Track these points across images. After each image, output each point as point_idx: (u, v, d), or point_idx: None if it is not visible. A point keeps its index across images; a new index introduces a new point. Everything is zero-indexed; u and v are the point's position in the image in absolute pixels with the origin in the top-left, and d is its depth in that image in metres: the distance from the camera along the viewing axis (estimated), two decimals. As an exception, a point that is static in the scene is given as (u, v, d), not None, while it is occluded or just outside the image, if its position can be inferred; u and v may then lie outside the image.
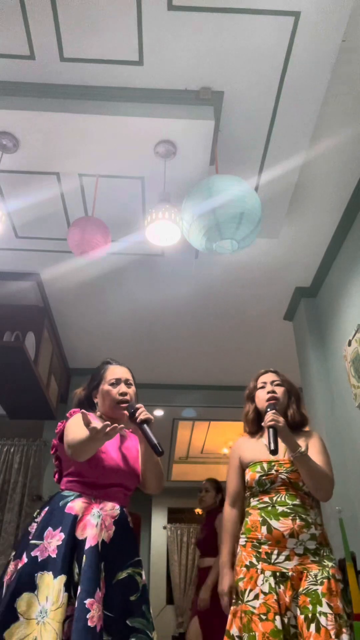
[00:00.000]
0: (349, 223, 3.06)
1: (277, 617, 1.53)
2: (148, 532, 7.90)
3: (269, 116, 2.37)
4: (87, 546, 1.40)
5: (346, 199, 2.95)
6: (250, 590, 1.62)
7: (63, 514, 1.47)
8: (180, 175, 2.42)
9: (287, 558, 1.63)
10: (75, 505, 1.49)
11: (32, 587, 1.34)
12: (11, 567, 1.44)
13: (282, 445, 1.76)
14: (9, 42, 2.08)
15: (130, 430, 1.77)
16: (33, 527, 1.51)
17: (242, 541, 1.76)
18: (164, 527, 7.95)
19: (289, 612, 1.56)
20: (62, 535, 1.42)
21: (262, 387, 1.94)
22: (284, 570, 1.62)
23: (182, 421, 6.13)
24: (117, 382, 1.72)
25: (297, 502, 1.71)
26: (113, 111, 2.22)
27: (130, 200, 2.77)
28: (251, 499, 1.82)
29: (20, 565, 1.40)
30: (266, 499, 1.75)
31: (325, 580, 1.57)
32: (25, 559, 1.40)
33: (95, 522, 1.46)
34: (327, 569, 1.60)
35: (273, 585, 1.59)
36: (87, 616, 1.26)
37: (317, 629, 1.48)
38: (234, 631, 1.64)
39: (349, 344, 2.96)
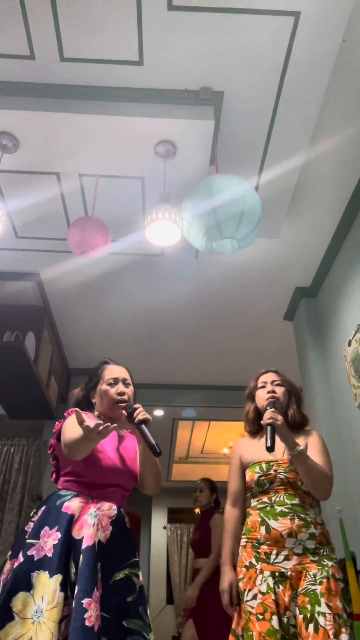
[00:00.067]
0: (349, 223, 3.06)
1: (275, 617, 1.53)
2: (148, 532, 7.90)
3: (269, 116, 2.38)
4: (83, 546, 1.39)
5: (346, 199, 2.95)
6: (249, 591, 1.63)
7: (59, 513, 1.46)
8: (180, 175, 2.42)
9: (286, 558, 1.63)
10: (72, 504, 1.49)
11: (28, 586, 1.34)
12: (7, 566, 1.44)
13: (281, 445, 1.76)
14: (9, 42, 2.08)
15: (129, 431, 1.76)
16: (30, 527, 1.50)
17: (242, 542, 1.76)
18: (164, 527, 7.95)
19: (289, 612, 1.56)
20: (59, 535, 1.41)
21: (263, 387, 1.93)
22: (283, 570, 1.61)
23: (182, 421, 6.13)
24: (115, 381, 1.72)
25: (296, 501, 1.71)
26: (113, 111, 2.22)
27: (130, 200, 2.77)
28: (251, 500, 1.82)
29: (16, 564, 1.40)
30: (265, 499, 1.75)
31: (324, 580, 1.57)
32: (21, 558, 1.40)
33: (92, 521, 1.46)
34: (326, 568, 1.60)
35: (271, 585, 1.59)
36: (85, 616, 1.26)
37: (316, 629, 1.47)
38: (239, 631, 1.66)
39: (349, 344, 2.96)
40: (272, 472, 1.77)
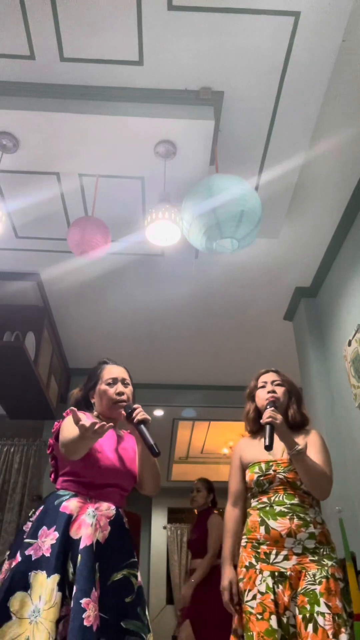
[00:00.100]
0: (349, 223, 3.06)
1: (273, 617, 1.53)
2: (148, 532, 7.90)
3: (269, 116, 2.38)
4: (81, 546, 1.39)
5: (346, 199, 2.95)
6: (249, 591, 1.63)
7: (57, 513, 1.46)
8: (180, 175, 2.42)
9: (286, 558, 1.63)
10: (70, 504, 1.48)
11: (26, 586, 1.34)
12: (5, 566, 1.44)
13: (281, 445, 1.76)
14: (9, 42, 2.08)
15: (128, 431, 1.76)
16: (28, 526, 1.50)
17: (243, 542, 1.77)
18: (164, 527, 7.95)
19: (288, 612, 1.56)
20: (56, 535, 1.41)
21: (263, 387, 1.93)
22: (283, 570, 1.61)
23: (182, 421, 6.12)
24: (114, 381, 1.71)
25: (295, 501, 1.71)
26: (113, 111, 2.22)
27: (130, 200, 2.77)
28: (251, 500, 1.82)
29: (14, 564, 1.39)
30: (265, 499, 1.76)
31: (323, 580, 1.56)
32: (19, 558, 1.40)
33: (90, 521, 1.45)
34: (326, 568, 1.60)
35: (271, 585, 1.59)
36: (83, 615, 1.25)
37: (315, 629, 1.47)
38: (240, 631, 1.66)
39: (349, 344, 2.96)
40: (271, 472, 1.77)
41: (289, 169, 2.63)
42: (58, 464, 1.64)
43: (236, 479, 1.92)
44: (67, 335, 4.35)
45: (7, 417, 4.49)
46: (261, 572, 1.63)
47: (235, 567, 1.77)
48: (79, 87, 2.24)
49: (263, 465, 1.80)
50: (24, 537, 1.46)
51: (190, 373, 5.02)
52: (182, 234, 2.21)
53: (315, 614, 1.50)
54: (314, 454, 1.76)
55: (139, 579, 1.51)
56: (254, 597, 1.60)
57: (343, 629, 1.48)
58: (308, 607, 1.52)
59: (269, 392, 1.89)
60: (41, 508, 1.53)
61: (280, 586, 1.59)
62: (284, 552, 1.64)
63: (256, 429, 1.96)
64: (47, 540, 1.41)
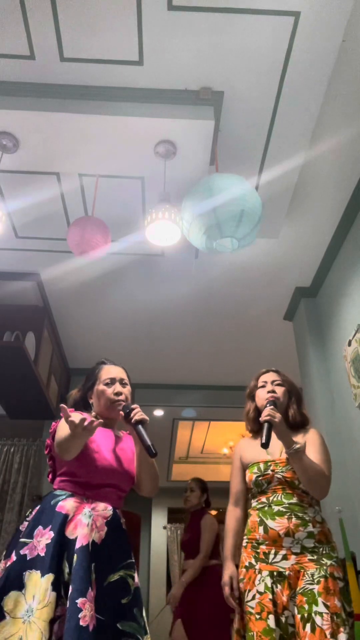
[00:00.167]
0: (349, 223, 3.06)
1: (271, 616, 1.53)
2: (148, 532, 7.90)
3: (269, 116, 2.38)
4: (77, 545, 1.38)
5: (346, 199, 2.95)
6: (249, 591, 1.64)
7: (53, 513, 1.46)
8: (180, 175, 2.42)
9: (284, 557, 1.63)
10: (66, 504, 1.48)
11: (20, 585, 1.33)
12: (1, 565, 1.43)
13: (280, 444, 1.76)
14: (9, 42, 2.08)
15: (127, 432, 1.76)
16: (24, 526, 1.50)
17: (243, 542, 1.77)
18: (164, 527, 7.95)
19: (287, 612, 1.56)
20: (52, 534, 1.40)
21: (263, 387, 1.93)
22: (281, 570, 1.62)
23: (182, 421, 6.13)
24: (112, 381, 1.71)
25: (293, 500, 1.71)
26: (113, 111, 2.22)
27: (130, 200, 2.77)
28: (252, 500, 1.83)
29: (9, 563, 1.39)
30: (263, 499, 1.76)
31: (322, 580, 1.56)
32: (14, 558, 1.40)
33: (86, 521, 1.45)
34: (324, 567, 1.59)
35: (269, 584, 1.59)
36: (79, 615, 1.25)
37: (313, 629, 1.47)
38: (242, 630, 1.67)
39: (349, 344, 2.96)
40: (269, 472, 1.77)
41: (289, 169, 2.63)
42: (56, 465, 1.64)
43: (237, 480, 1.93)
44: (67, 335, 4.35)
45: (7, 417, 4.49)
46: (260, 572, 1.64)
47: (237, 566, 1.77)
48: (79, 87, 2.24)
49: (262, 466, 1.80)
50: (20, 536, 1.46)
51: (190, 373, 5.02)
52: (182, 234, 2.21)
53: (313, 614, 1.49)
54: (313, 452, 1.76)
55: (136, 580, 1.50)
56: (253, 597, 1.61)
57: (342, 629, 1.48)
58: (306, 606, 1.52)
59: (268, 392, 1.89)
60: (37, 508, 1.53)
61: (279, 586, 1.59)
62: (283, 552, 1.64)
63: (256, 428, 1.96)
64: (43, 540, 1.40)
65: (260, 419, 1.78)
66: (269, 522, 1.68)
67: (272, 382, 1.93)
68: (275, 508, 1.70)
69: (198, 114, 2.23)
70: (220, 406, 5.25)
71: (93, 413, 1.73)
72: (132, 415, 1.58)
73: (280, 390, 1.90)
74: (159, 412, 5.68)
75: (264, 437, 1.67)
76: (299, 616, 1.53)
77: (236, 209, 1.98)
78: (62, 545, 1.39)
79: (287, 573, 1.61)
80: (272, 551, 1.65)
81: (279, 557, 1.64)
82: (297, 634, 1.51)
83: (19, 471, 4.99)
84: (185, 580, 2.95)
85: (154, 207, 2.20)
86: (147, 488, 1.66)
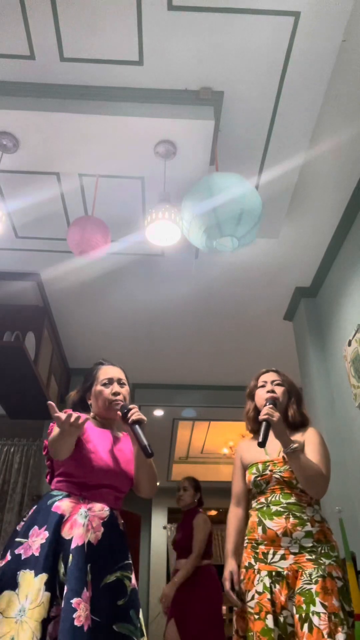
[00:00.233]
0: (349, 223, 3.06)
1: (269, 616, 1.53)
2: (148, 532, 7.91)
3: (269, 116, 2.38)
4: (72, 546, 1.38)
5: (346, 199, 2.95)
6: (249, 592, 1.65)
7: (49, 513, 1.46)
8: (180, 175, 2.42)
9: (283, 557, 1.63)
10: (62, 504, 1.48)
11: (14, 585, 1.33)
12: None
13: (279, 445, 1.76)
14: (9, 42, 2.08)
15: (127, 433, 1.76)
16: (21, 526, 1.50)
17: (244, 543, 1.78)
18: (164, 527, 7.95)
19: (286, 611, 1.56)
20: (47, 534, 1.40)
21: (263, 386, 1.93)
22: (280, 570, 1.62)
23: (182, 421, 6.13)
24: (110, 381, 1.71)
25: (291, 500, 1.71)
26: (113, 111, 2.22)
27: (130, 200, 2.77)
28: (252, 501, 1.83)
29: (3, 563, 1.39)
30: (262, 499, 1.76)
31: (319, 579, 1.55)
32: (8, 557, 1.40)
33: (82, 522, 1.45)
34: (322, 567, 1.59)
35: (268, 584, 1.59)
36: (74, 615, 1.24)
37: (310, 629, 1.47)
38: (240, 631, 1.68)
39: (349, 344, 2.96)
40: (267, 472, 1.77)
41: (289, 169, 2.63)
42: (53, 465, 1.63)
43: (238, 480, 1.93)
44: (67, 335, 4.35)
45: (7, 417, 4.49)
46: (259, 572, 1.64)
47: (238, 566, 1.78)
48: (79, 87, 2.24)
49: (260, 466, 1.80)
50: (16, 536, 1.46)
51: (190, 373, 5.02)
52: (182, 234, 2.21)
53: (310, 614, 1.49)
54: (311, 452, 1.76)
55: (133, 581, 1.49)
56: (252, 598, 1.61)
57: (339, 628, 1.47)
58: (304, 606, 1.52)
59: (268, 392, 1.89)
60: (34, 508, 1.53)
61: (278, 585, 1.59)
62: (281, 552, 1.64)
63: (256, 428, 1.96)
64: (37, 540, 1.40)
65: (259, 417, 1.78)
66: (267, 522, 1.69)
67: (272, 382, 1.93)
68: (274, 508, 1.70)
69: (198, 114, 2.23)
70: (220, 406, 5.25)
71: (91, 414, 1.73)
72: (129, 415, 1.57)
73: (279, 390, 1.90)
74: (159, 412, 5.68)
75: (261, 436, 1.67)
76: (297, 616, 1.53)
77: (236, 208, 1.98)
78: (57, 546, 1.39)
79: (285, 573, 1.61)
80: (271, 551, 1.65)
81: (277, 557, 1.64)
82: (296, 634, 1.51)
83: (19, 471, 4.99)
84: (178, 580, 2.93)
85: (154, 207, 2.20)
86: (145, 489, 1.65)
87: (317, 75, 2.18)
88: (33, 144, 2.31)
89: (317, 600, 1.51)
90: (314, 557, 1.62)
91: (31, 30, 2.04)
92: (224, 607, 6.41)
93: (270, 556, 1.65)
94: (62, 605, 1.27)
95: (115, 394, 1.68)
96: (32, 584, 1.32)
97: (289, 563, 1.62)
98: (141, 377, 4.99)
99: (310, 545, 1.64)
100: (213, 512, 8.58)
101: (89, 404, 1.75)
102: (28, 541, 1.41)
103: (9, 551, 1.42)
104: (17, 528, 1.51)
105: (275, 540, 1.65)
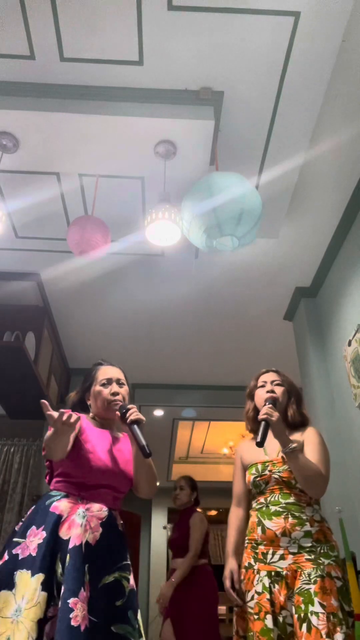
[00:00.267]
0: (349, 223, 3.06)
1: (269, 616, 1.53)
2: (148, 532, 7.91)
3: (269, 116, 2.38)
4: (70, 546, 1.38)
5: (346, 199, 2.95)
6: (248, 592, 1.65)
7: (47, 513, 1.46)
8: (180, 175, 2.43)
9: (282, 557, 1.63)
10: (60, 505, 1.48)
11: (11, 585, 1.33)
12: None
13: (278, 445, 1.76)
14: (9, 42, 2.08)
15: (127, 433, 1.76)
16: (19, 526, 1.50)
17: (245, 543, 1.78)
18: (164, 527, 7.95)
19: (285, 611, 1.56)
20: (44, 534, 1.40)
21: (262, 386, 1.93)
22: (279, 570, 1.62)
23: (182, 421, 6.13)
24: (109, 382, 1.71)
25: (290, 500, 1.71)
26: (113, 111, 2.22)
27: (130, 200, 2.77)
28: (252, 502, 1.83)
29: (0, 563, 1.39)
30: (262, 499, 1.76)
31: (318, 579, 1.55)
32: (6, 557, 1.40)
33: (79, 522, 1.44)
34: (322, 566, 1.58)
35: (267, 584, 1.59)
36: (70, 615, 1.24)
37: (309, 629, 1.46)
38: (241, 631, 1.67)
39: (349, 344, 2.96)
40: (267, 472, 1.78)
41: (289, 169, 2.63)
42: (53, 466, 1.63)
43: (239, 481, 1.94)
44: (67, 335, 4.35)
45: (7, 417, 4.49)
46: (258, 572, 1.64)
47: (239, 565, 1.78)
48: (79, 87, 2.24)
49: (259, 467, 1.81)
50: (14, 536, 1.46)
51: (190, 373, 5.02)
52: (182, 234, 2.21)
53: (309, 614, 1.49)
54: (310, 451, 1.75)
55: (131, 582, 1.48)
56: (252, 598, 1.62)
57: (338, 628, 1.46)
58: (303, 606, 1.51)
59: (268, 392, 1.89)
60: (32, 508, 1.53)
61: (277, 585, 1.59)
62: (280, 552, 1.64)
63: (256, 428, 1.95)
64: (35, 540, 1.40)
65: (259, 417, 1.78)
66: (266, 522, 1.69)
67: (272, 382, 1.93)
68: (273, 508, 1.71)
69: (198, 114, 2.23)
70: (220, 406, 5.25)
71: (91, 414, 1.73)
72: (127, 415, 1.57)
73: (279, 390, 1.90)
74: (159, 412, 5.68)
75: (259, 436, 1.67)
76: (296, 616, 1.53)
77: (236, 208, 1.98)
78: (55, 546, 1.39)
79: (284, 573, 1.61)
80: (270, 551, 1.65)
81: (276, 557, 1.64)
82: (295, 634, 1.51)
83: (19, 471, 4.99)
84: (176, 581, 2.91)
85: (154, 207, 2.20)
86: (145, 489, 1.65)
87: (317, 75, 2.18)
88: (33, 144, 2.31)
89: (316, 600, 1.51)
90: (313, 557, 1.61)
91: (31, 30, 2.04)
92: (224, 607, 6.43)
93: (269, 556, 1.65)
94: (59, 605, 1.27)
95: (114, 394, 1.68)
96: (28, 584, 1.32)
97: (288, 563, 1.62)
98: (141, 377, 4.99)
99: (309, 545, 1.64)
100: (213, 512, 8.58)
101: (88, 405, 1.75)
102: (25, 541, 1.41)
103: (7, 551, 1.42)
104: (16, 528, 1.51)
105: (275, 541, 1.65)
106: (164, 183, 2.31)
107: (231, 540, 1.86)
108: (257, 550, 1.69)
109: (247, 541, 1.76)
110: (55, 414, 1.34)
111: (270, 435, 1.72)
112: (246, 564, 1.70)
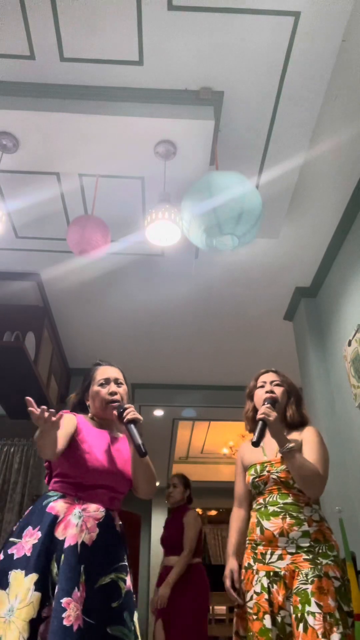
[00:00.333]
0: (349, 223, 3.06)
1: (267, 616, 1.53)
2: (148, 532, 7.90)
3: (269, 116, 2.38)
4: (65, 545, 1.38)
5: (346, 199, 2.95)
6: (248, 592, 1.65)
7: (43, 513, 1.46)
8: (180, 175, 2.42)
9: (280, 557, 1.63)
10: (57, 505, 1.48)
11: (5, 584, 1.33)
12: None
13: (277, 445, 1.76)
14: (9, 42, 2.08)
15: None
16: (17, 526, 1.51)
17: (246, 544, 1.79)
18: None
19: (284, 611, 1.56)
20: (39, 534, 1.40)
21: (262, 387, 1.94)
22: (277, 570, 1.62)
23: (182, 421, 6.13)
24: (107, 381, 1.70)
25: (288, 500, 1.71)
26: (113, 111, 2.22)
27: (130, 200, 2.77)
28: (253, 502, 1.84)
29: None
30: (261, 500, 1.77)
31: (315, 579, 1.55)
32: (1, 556, 1.40)
33: (75, 522, 1.44)
34: (319, 566, 1.58)
35: (265, 584, 1.60)
36: (63, 615, 1.24)
37: (305, 629, 1.47)
38: (241, 631, 1.68)
39: (349, 344, 2.96)
40: (265, 473, 1.78)
41: (289, 169, 2.63)
42: (51, 466, 1.63)
43: (240, 482, 1.94)
44: (67, 335, 4.35)
45: (7, 417, 4.49)
46: (257, 572, 1.65)
47: (240, 565, 1.79)
48: (79, 87, 2.24)
49: (258, 467, 1.81)
50: (11, 536, 1.47)
51: (190, 373, 5.03)
52: (182, 234, 2.21)
53: (305, 614, 1.49)
54: (308, 451, 1.75)
55: (128, 583, 1.48)
56: (251, 598, 1.62)
57: (335, 628, 1.46)
58: (300, 606, 1.52)
59: (267, 392, 1.89)
60: (30, 509, 1.53)
61: (275, 586, 1.60)
62: (278, 552, 1.64)
63: (255, 428, 1.96)
64: (30, 540, 1.40)
65: (257, 417, 1.78)
66: (265, 523, 1.69)
67: (271, 382, 1.93)
68: (271, 508, 1.71)
69: (198, 114, 2.23)
70: (220, 406, 5.25)
71: (89, 415, 1.73)
72: (124, 414, 1.57)
73: (278, 391, 1.90)
74: (159, 412, 5.68)
75: (255, 436, 1.67)
76: (293, 616, 1.53)
77: (236, 207, 1.97)
78: (50, 546, 1.39)
79: (282, 573, 1.61)
80: (269, 551, 1.65)
81: (274, 557, 1.64)
82: (293, 634, 1.51)
83: (19, 471, 4.99)
84: (172, 580, 2.89)
85: (154, 207, 2.20)
86: (144, 490, 1.64)
87: (317, 75, 2.18)
88: (33, 144, 2.31)
89: (313, 600, 1.51)
90: (311, 557, 1.61)
91: (31, 30, 2.04)
92: (224, 607, 6.41)
93: (268, 556, 1.65)
94: (53, 605, 1.27)
95: (112, 393, 1.68)
96: (22, 584, 1.32)
97: (286, 563, 1.62)
98: (141, 377, 5.00)
99: (308, 545, 1.63)
100: (213, 512, 8.58)
101: (87, 405, 1.75)
102: (21, 541, 1.42)
103: (2, 551, 1.42)
104: (14, 528, 1.51)
105: (273, 541, 1.66)
106: (164, 183, 2.31)
107: (232, 541, 1.87)
108: (256, 551, 1.69)
109: (247, 541, 1.77)
110: (37, 411, 1.31)
111: (269, 435, 1.72)
112: (246, 565, 1.71)
